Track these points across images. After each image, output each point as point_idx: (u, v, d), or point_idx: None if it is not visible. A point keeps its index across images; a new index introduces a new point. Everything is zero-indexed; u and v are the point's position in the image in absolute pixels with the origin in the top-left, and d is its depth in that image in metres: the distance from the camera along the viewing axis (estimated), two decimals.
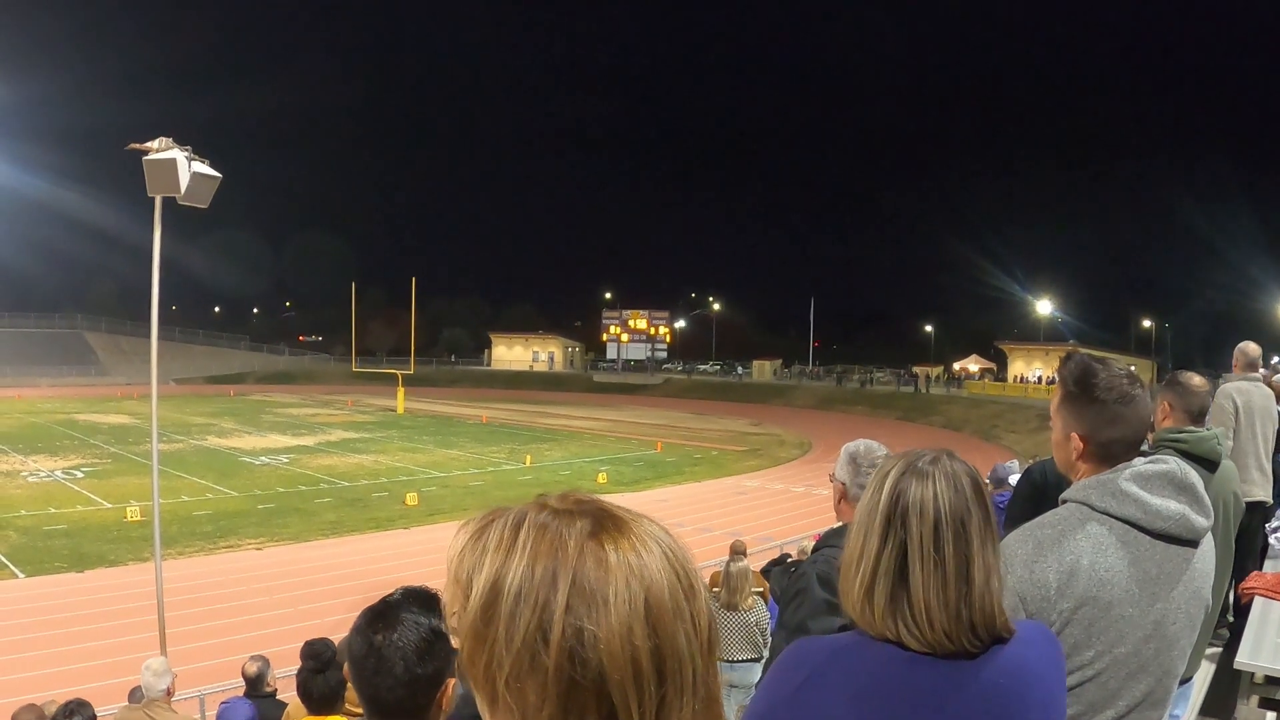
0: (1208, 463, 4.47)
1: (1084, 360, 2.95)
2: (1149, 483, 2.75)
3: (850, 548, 2.08)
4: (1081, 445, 2.89)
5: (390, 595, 2.60)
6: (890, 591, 1.97)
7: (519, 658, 1.05)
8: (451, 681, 2.48)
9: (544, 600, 1.05)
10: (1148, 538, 2.70)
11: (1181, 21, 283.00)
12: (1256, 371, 8.45)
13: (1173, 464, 2.81)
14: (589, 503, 1.16)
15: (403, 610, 2.51)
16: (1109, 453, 2.86)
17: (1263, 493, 7.89)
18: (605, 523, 1.13)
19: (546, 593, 1.06)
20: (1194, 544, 2.77)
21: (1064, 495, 2.87)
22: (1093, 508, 2.75)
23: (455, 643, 1.14)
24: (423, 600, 2.55)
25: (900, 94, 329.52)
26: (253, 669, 9.24)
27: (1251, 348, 8.44)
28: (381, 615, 2.52)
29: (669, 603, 1.09)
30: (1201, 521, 2.77)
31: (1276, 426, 8.36)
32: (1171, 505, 2.72)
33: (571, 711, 1.04)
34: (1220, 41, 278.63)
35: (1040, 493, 5.03)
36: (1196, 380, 4.88)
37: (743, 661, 10.37)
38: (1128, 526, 2.71)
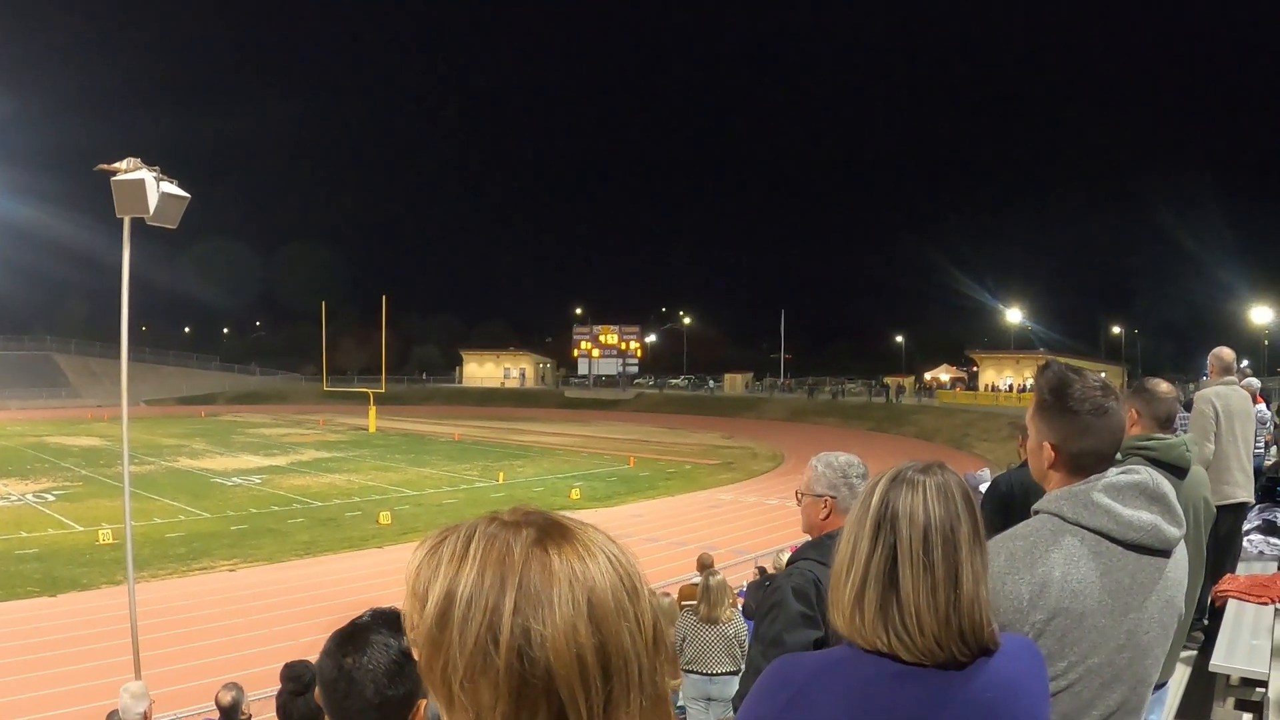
0: (1177, 469, 4.50)
1: (1061, 370, 2.97)
2: (1121, 493, 2.77)
3: (840, 556, 2.10)
4: (1053, 455, 2.92)
5: (359, 617, 2.59)
6: (880, 597, 1.98)
7: (472, 659, 1.12)
8: (423, 703, 2.47)
9: (493, 604, 1.13)
10: (1120, 548, 2.72)
11: (1152, 33, 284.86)
12: (1232, 375, 8.55)
13: (1145, 474, 2.83)
14: (536, 514, 1.24)
15: (372, 632, 2.51)
16: (1080, 464, 2.88)
17: (1245, 494, 8.01)
18: (550, 531, 1.20)
19: (496, 597, 1.13)
20: (1166, 554, 2.79)
21: (1036, 506, 2.89)
22: (1064, 519, 2.77)
23: (414, 653, 1.20)
24: (392, 622, 2.54)
25: (870, 106, 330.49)
26: (227, 698, 9.19)
27: (1226, 352, 8.56)
28: (351, 638, 2.51)
29: (612, 603, 1.16)
30: (1173, 531, 2.79)
31: (1255, 428, 8.47)
32: (1143, 516, 2.74)
33: (523, 708, 1.12)
34: (1190, 51, 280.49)
35: (1007, 504, 5.07)
36: (1164, 387, 4.91)
37: (722, 674, 10.35)
38: (1100, 538, 2.73)
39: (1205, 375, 8.88)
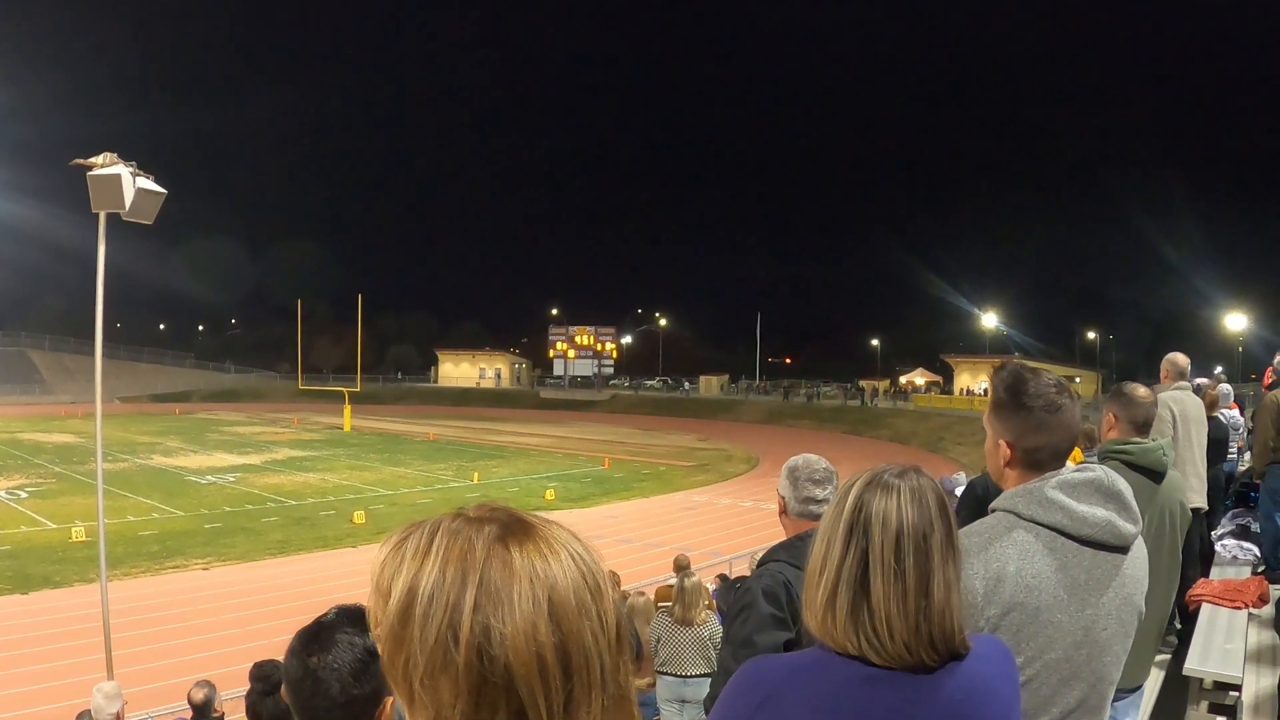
0: (1153, 473, 4.52)
1: (1016, 369, 3.01)
2: (1076, 490, 2.79)
3: (814, 558, 2.09)
4: (1009, 452, 2.95)
5: (324, 615, 2.57)
6: (851, 601, 1.97)
7: (432, 656, 1.12)
8: (389, 700, 2.47)
9: (454, 601, 1.12)
10: (1075, 544, 2.75)
11: (1124, 37, 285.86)
12: (1185, 381, 8.57)
13: (1100, 471, 2.86)
14: (500, 510, 1.23)
15: (337, 631, 2.49)
16: (1034, 460, 2.91)
17: (1200, 499, 8.02)
18: (513, 528, 1.19)
19: (456, 594, 1.13)
20: (1123, 550, 2.81)
21: (992, 504, 2.92)
22: (1019, 515, 2.79)
23: (379, 649, 1.20)
24: (358, 619, 2.52)
25: (845, 111, 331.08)
26: (199, 695, 9.14)
27: (1180, 358, 8.58)
28: (316, 636, 2.50)
29: (573, 602, 1.15)
30: (1129, 528, 2.81)
31: (1228, 434, 8.50)
32: (1098, 512, 2.76)
33: (483, 707, 1.11)
34: (1162, 55, 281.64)
35: (983, 506, 5.10)
36: (1141, 391, 4.94)
37: (696, 676, 10.31)
38: (1054, 534, 2.75)
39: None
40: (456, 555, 1.15)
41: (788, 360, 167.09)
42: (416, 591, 1.14)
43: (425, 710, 1.14)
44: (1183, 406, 8.01)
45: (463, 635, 1.10)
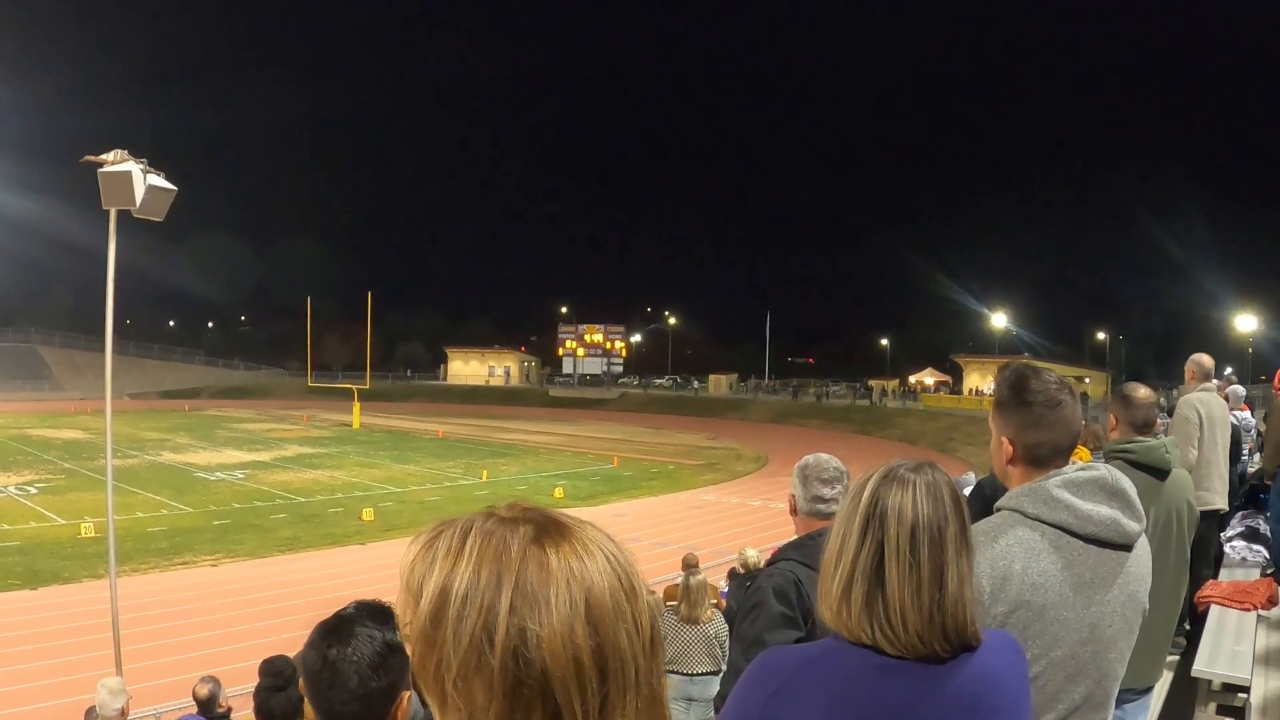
0: (1157, 471, 4.53)
1: (1020, 368, 3.04)
2: (1080, 489, 2.82)
3: (830, 550, 2.12)
4: (1010, 449, 2.97)
5: (344, 609, 2.60)
6: (866, 592, 2.00)
7: (466, 658, 1.10)
8: (406, 695, 2.48)
9: (489, 603, 1.10)
10: (1080, 542, 2.77)
11: (1133, 39, 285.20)
12: (1210, 382, 8.55)
13: (1103, 470, 2.89)
14: (534, 510, 1.21)
15: (356, 624, 2.52)
16: (1034, 456, 2.94)
17: (1222, 500, 8.02)
18: (548, 528, 1.18)
19: (491, 596, 1.11)
20: (1127, 548, 2.83)
21: (998, 504, 2.95)
22: (1024, 514, 2.82)
23: (407, 650, 1.18)
24: (376, 613, 2.55)
25: (856, 111, 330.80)
26: (204, 691, 9.13)
27: (1206, 359, 8.55)
28: (335, 629, 2.53)
29: (609, 604, 1.14)
30: (1133, 526, 2.83)
31: (1242, 435, 8.48)
32: (1103, 510, 2.78)
33: (517, 709, 1.09)
34: (1171, 57, 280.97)
35: (990, 506, 5.11)
36: (1141, 392, 4.95)
37: (703, 675, 10.32)
38: (1060, 532, 2.77)
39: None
40: (491, 556, 1.13)
41: (810, 360, 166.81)
42: (450, 592, 1.12)
43: (458, 713, 1.12)
44: (1209, 408, 8.00)
45: (498, 638, 1.08)
